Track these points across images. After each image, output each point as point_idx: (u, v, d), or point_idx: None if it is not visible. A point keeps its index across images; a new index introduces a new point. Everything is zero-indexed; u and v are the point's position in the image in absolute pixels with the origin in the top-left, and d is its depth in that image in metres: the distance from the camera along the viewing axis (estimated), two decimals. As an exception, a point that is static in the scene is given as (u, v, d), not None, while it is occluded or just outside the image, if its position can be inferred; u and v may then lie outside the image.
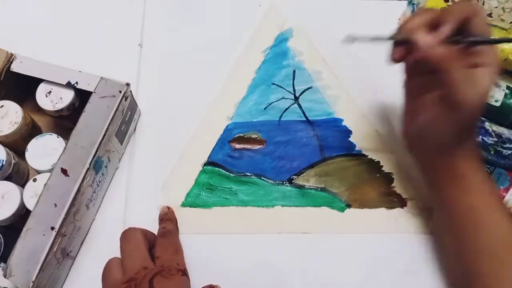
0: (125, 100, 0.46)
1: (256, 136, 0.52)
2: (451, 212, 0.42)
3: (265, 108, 0.53)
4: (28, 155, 0.45)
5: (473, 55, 0.36)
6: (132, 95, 0.48)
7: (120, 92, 0.45)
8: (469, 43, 0.36)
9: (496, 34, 0.52)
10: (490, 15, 0.58)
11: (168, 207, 0.48)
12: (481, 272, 0.39)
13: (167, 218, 0.47)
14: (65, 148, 0.43)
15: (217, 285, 0.44)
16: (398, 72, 0.44)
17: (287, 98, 0.53)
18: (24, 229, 0.40)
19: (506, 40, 0.37)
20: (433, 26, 0.37)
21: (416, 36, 0.36)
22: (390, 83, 0.48)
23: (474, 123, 0.41)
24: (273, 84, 0.54)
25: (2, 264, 0.41)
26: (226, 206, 0.49)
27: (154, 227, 0.48)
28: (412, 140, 0.43)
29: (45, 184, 0.41)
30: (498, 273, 0.38)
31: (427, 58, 0.36)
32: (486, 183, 0.41)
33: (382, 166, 0.51)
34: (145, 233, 0.43)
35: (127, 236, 0.42)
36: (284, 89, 0.54)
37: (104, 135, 0.44)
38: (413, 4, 0.57)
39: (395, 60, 0.40)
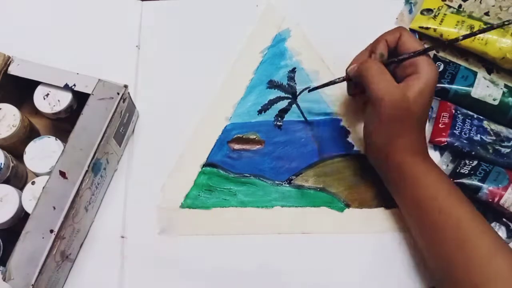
0: (123, 102, 0.46)
1: (255, 137, 0.52)
2: (411, 210, 0.44)
3: (264, 112, 0.53)
4: (26, 158, 0.45)
5: (407, 67, 0.43)
6: (130, 96, 0.48)
7: (118, 94, 0.45)
8: (399, 61, 0.44)
9: (494, 33, 0.52)
10: (487, 13, 0.58)
11: None
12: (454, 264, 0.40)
13: None
14: (63, 150, 0.43)
15: None
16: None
17: (285, 98, 0.54)
18: (23, 232, 0.40)
19: (420, 53, 0.43)
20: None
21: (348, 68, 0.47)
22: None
23: (399, 120, 0.42)
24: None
25: (1, 268, 0.41)
26: (225, 207, 0.49)
27: (153, 229, 0.48)
28: (368, 153, 0.48)
29: (43, 187, 0.41)
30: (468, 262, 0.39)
31: (356, 72, 0.45)
32: (431, 173, 0.43)
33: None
34: None
35: None
36: (282, 89, 0.54)
37: (103, 137, 0.44)
38: (411, 3, 0.57)
39: (351, 94, 0.50)
